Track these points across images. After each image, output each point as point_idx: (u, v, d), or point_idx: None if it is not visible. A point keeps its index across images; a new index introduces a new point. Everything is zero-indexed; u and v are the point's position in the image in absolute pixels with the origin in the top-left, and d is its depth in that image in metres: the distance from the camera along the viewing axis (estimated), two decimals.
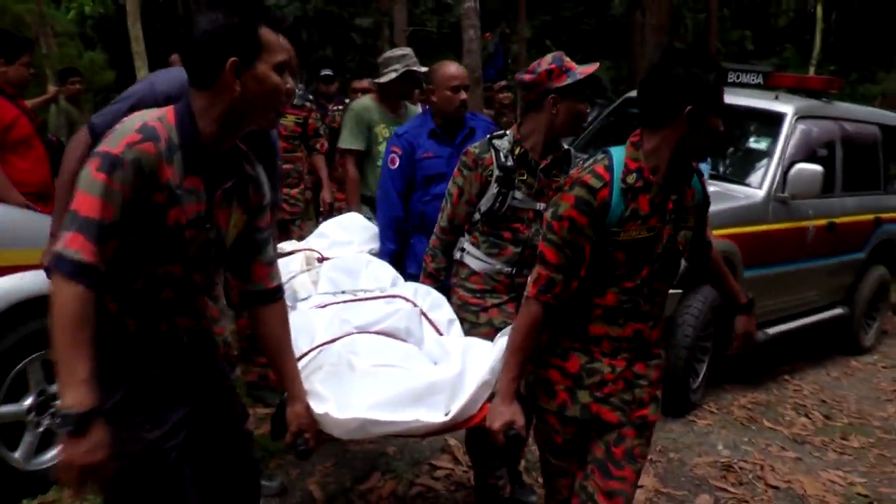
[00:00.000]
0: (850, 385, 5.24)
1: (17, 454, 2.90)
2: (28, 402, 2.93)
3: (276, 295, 1.90)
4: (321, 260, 3.00)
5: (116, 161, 1.49)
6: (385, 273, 2.89)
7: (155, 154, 1.53)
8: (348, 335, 2.44)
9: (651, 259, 1.97)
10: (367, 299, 2.71)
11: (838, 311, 5.68)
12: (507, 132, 2.69)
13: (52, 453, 3.01)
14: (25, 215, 3.19)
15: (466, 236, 2.78)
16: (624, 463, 2.04)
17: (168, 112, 1.59)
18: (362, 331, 2.49)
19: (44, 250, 2.62)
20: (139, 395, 1.65)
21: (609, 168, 1.92)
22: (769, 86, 5.49)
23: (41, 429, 2.98)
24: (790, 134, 4.88)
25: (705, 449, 3.91)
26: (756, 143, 5.06)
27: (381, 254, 3.14)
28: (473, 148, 2.71)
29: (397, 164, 3.24)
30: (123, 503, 1.69)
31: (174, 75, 2.62)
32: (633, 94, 6.27)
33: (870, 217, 5.71)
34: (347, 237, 3.20)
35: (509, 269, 2.67)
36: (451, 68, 3.34)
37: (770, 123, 4.98)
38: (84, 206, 1.48)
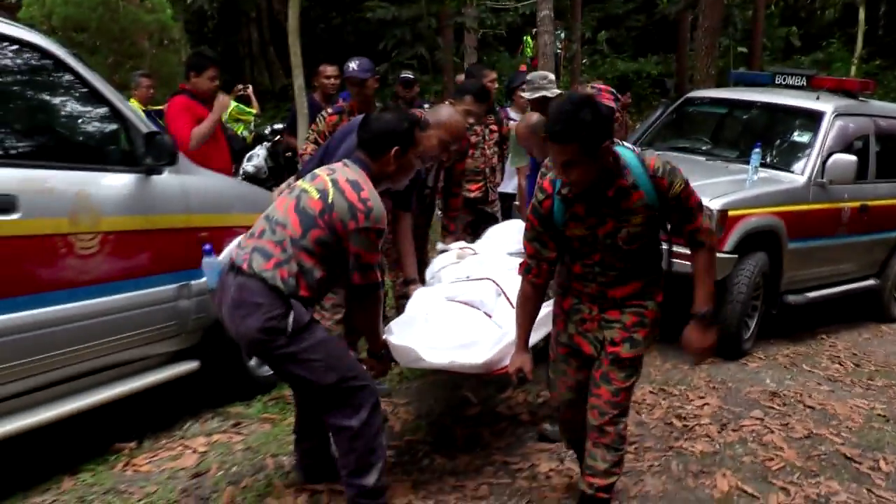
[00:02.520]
0: (878, 344, 6.14)
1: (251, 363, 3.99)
2: None
3: None
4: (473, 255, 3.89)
5: None
6: (501, 265, 3.69)
7: None
8: (436, 302, 3.37)
9: (598, 248, 2.59)
10: (466, 281, 3.58)
11: (871, 282, 6.59)
12: None
13: None
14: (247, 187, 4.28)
15: None
16: (600, 383, 2.67)
17: None
18: (449, 300, 3.40)
19: None
20: None
21: (552, 182, 2.56)
22: (812, 87, 6.40)
23: None
24: (829, 129, 5.81)
25: (755, 382, 4.86)
26: (800, 137, 6.00)
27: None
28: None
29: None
30: None
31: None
32: (695, 93, 7.22)
33: None
34: (502, 239, 4.06)
35: None
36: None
37: (812, 120, 5.91)
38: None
